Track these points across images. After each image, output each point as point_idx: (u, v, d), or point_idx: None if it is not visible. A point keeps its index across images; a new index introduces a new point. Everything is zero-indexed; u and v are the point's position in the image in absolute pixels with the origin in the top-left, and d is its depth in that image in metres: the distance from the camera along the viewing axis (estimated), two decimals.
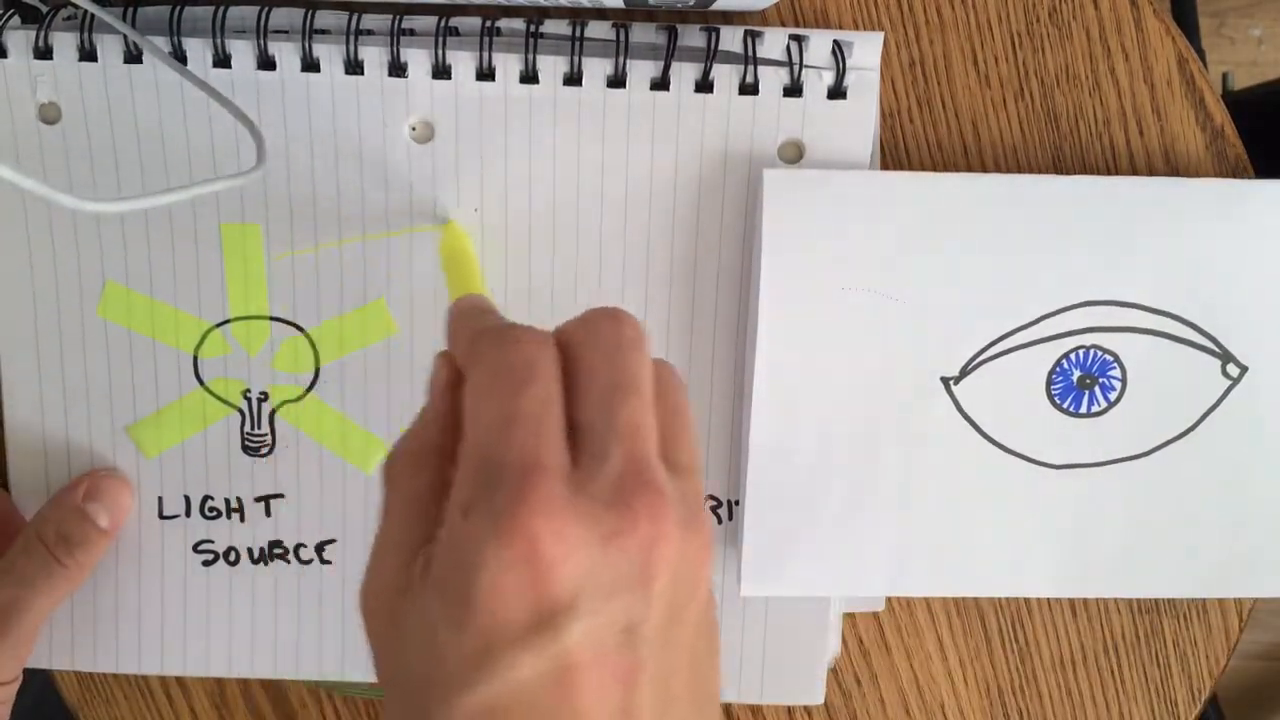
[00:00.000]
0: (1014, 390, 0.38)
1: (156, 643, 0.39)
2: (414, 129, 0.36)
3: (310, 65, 0.35)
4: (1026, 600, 0.41)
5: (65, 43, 0.35)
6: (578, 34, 0.35)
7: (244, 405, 0.38)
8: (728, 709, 0.42)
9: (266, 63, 0.35)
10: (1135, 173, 0.38)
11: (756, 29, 0.35)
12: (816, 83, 0.35)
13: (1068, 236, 0.36)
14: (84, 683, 0.41)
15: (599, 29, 0.35)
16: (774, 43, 0.35)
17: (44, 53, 0.35)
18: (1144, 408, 0.38)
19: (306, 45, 0.35)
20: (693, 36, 0.35)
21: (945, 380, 0.38)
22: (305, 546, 0.39)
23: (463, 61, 0.35)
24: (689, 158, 0.36)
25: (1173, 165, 0.38)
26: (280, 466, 0.38)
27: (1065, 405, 0.38)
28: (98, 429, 0.38)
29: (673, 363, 0.38)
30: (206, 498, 0.39)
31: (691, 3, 0.34)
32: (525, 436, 0.22)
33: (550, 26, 0.35)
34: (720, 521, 0.39)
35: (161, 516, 0.39)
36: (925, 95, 0.37)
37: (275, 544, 0.39)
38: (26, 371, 0.38)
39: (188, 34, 0.35)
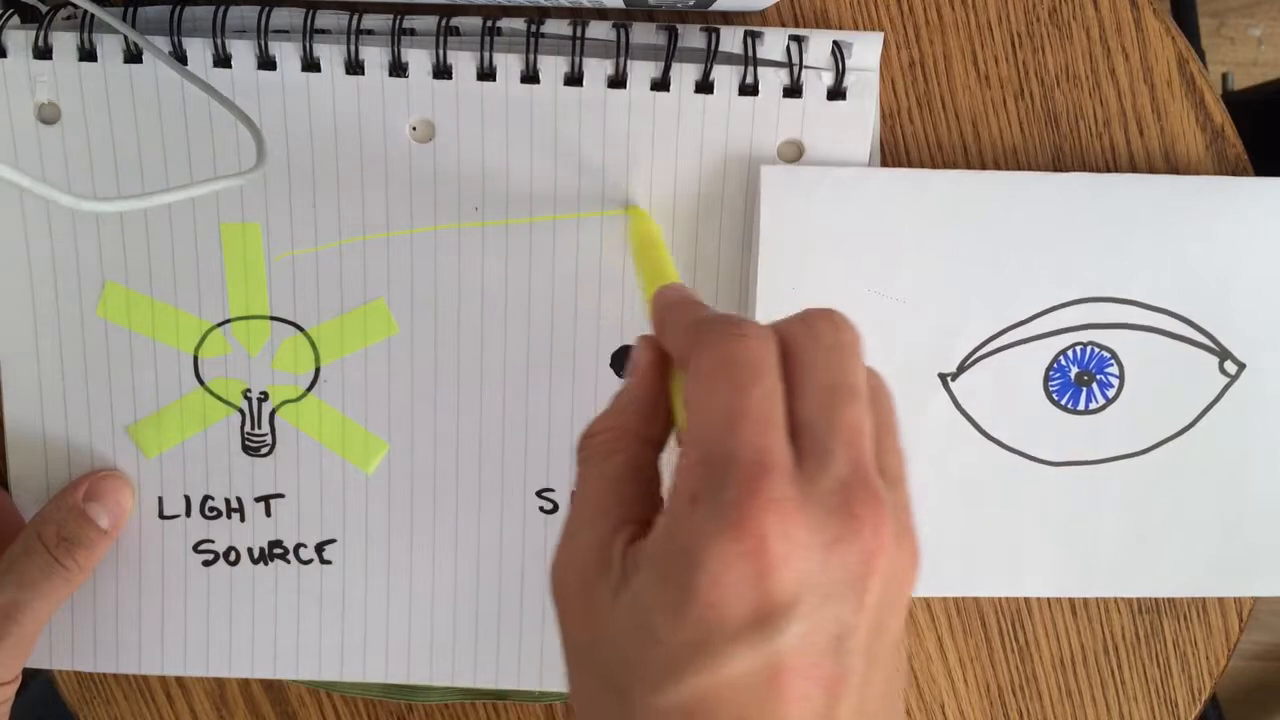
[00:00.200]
0: (1012, 387, 0.38)
1: (156, 643, 0.39)
2: (414, 129, 0.36)
3: (311, 65, 0.35)
4: (1026, 600, 0.41)
5: (65, 42, 0.35)
6: (578, 34, 0.35)
7: (244, 405, 0.38)
8: None
9: (267, 63, 0.35)
10: (1135, 172, 0.38)
11: (756, 29, 0.35)
12: (816, 83, 0.35)
13: (1065, 233, 0.36)
14: (84, 683, 0.41)
15: (599, 29, 0.35)
16: (774, 43, 0.35)
17: (43, 52, 0.35)
18: (1142, 405, 0.38)
19: (307, 45, 0.35)
20: (693, 37, 0.35)
21: (943, 377, 0.38)
22: (305, 546, 0.39)
23: (463, 61, 0.35)
24: (689, 158, 0.36)
25: (1173, 165, 0.38)
26: (280, 466, 0.38)
27: (1063, 402, 0.38)
28: (98, 429, 0.38)
29: None
30: (206, 498, 0.39)
31: (691, 3, 0.34)
32: (754, 432, 0.23)
33: (551, 26, 0.35)
34: None
35: (161, 516, 0.39)
36: (925, 95, 0.37)
37: (275, 544, 0.39)
38: (26, 371, 0.38)
39: (188, 34, 0.35)
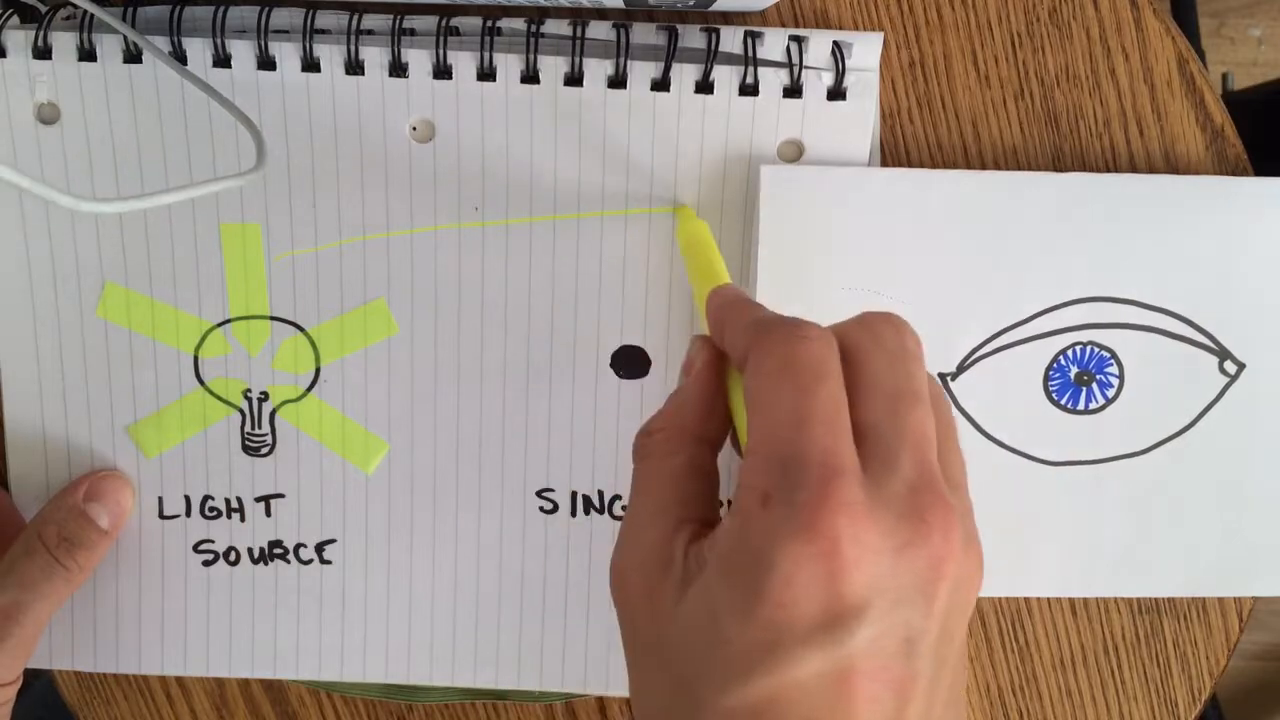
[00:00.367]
0: (1011, 387, 0.38)
1: (156, 643, 0.39)
2: (414, 129, 0.36)
3: (310, 65, 0.35)
4: (1026, 600, 0.41)
5: (64, 42, 0.35)
6: (578, 34, 0.35)
7: (244, 405, 0.38)
8: None
9: (266, 63, 0.35)
10: (1135, 173, 0.38)
11: (756, 30, 0.35)
12: (816, 83, 0.35)
13: (1065, 233, 0.36)
14: (84, 683, 0.41)
15: (599, 29, 0.35)
16: (774, 43, 0.35)
17: (43, 52, 0.35)
18: (1141, 405, 0.38)
19: (307, 45, 0.35)
20: (693, 37, 0.35)
21: (943, 376, 0.38)
22: (305, 546, 0.39)
23: (463, 61, 0.35)
24: (689, 158, 0.36)
25: (1173, 165, 0.38)
26: (280, 466, 0.38)
27: (1063, 402, 0.38)
28: (98, 429, 0.38)
29: (673, 364, 0.38)
30: (207, 498, 0.39)
31: (691, 3, 0.34)
32: (824, 434, 0.23)
33: (551, 27, 0.35)
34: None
35: (161, 516, 0.39)
36: (925, 95, 0.37)
37: (275, 544, 0.39)
38: (26, 371, 0.38)
39: (187, 34, 0.35)
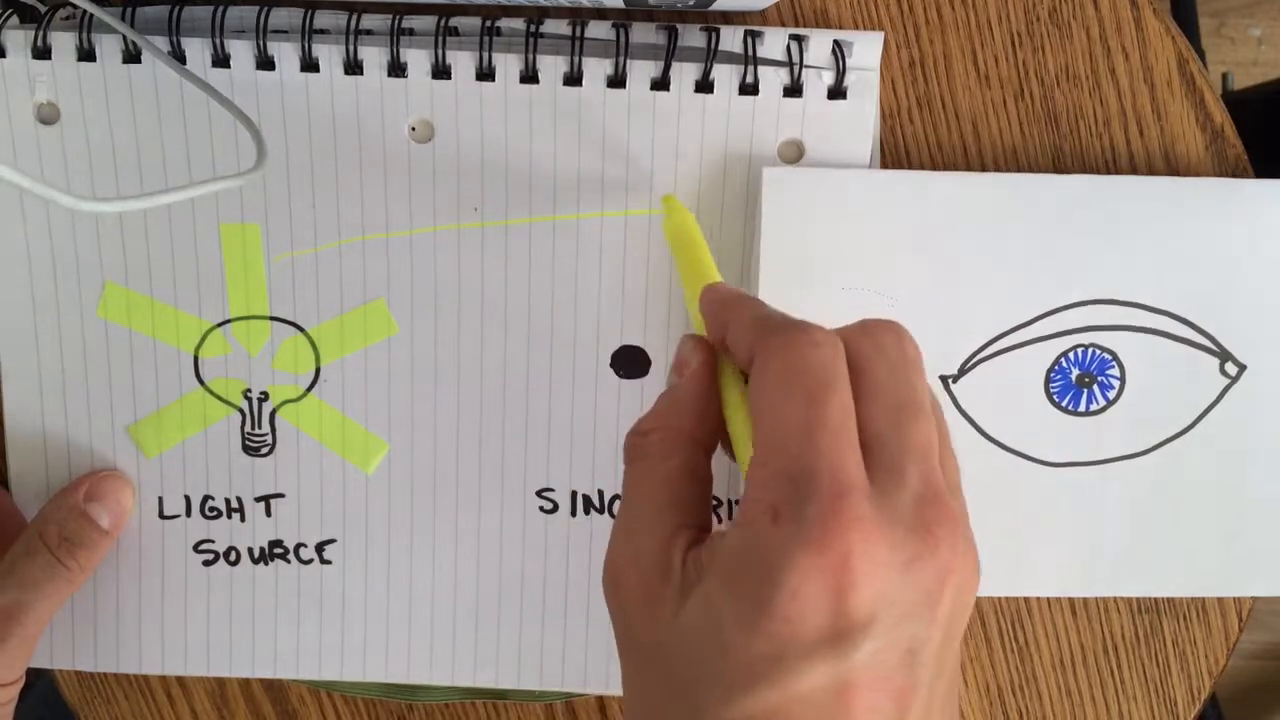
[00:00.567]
0: (1013, 389, 0.38)
1: (157, 643, 0.39)
2: (414, 129, 0.36)
3: (310, 65, 0.35)
4: (1026, 600, 0.41)
5: (64, 42, 0.35)
6: (578, 34, 0.35)
7: (244, 405, 0.38)
8: None
9: (266, 63, 0.35)
10: (1135, 173, 0.38)
11: (756, 29, 0.35)
12: (816, 83, 0.35)
13: (1066, 235, 0.36)
14: (84, 683, 0.41)
15: (599, 29, 0.35)
16: (774, 43, 0.35)
17: (42, 52, 0.35)
18: (1142, 406, 0.38)
19: (306, 45, 0.35)
20: (693, 36, 0.35)
21: (944, 379, 0.38)
22: (305, 546, 0.39)
23: (462, 61, 0.35)
24: (689, 158, 0.36)
25: (1173, 165, 0.38)
26: (280, 466, 0.38)
27: (1064, 403, 0.38)
28: (98, 429, 0.38)
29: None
30: (207, 498, 0.39)
31: (691, 3, 0.34)
32: (833, 446, 0.23)
33: (550, 26, 0.35)
34: (720, 520, 0.39)
35: (162, 516, 0.39)
36: (925, 95, 0.37)
37: (275, 544, 0.39)
38: (26, 371, 0.38)
39: (187, 34, 0.35)
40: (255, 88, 0.35)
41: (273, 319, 0.37)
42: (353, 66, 0.35)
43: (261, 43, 0.35)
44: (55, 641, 0.39)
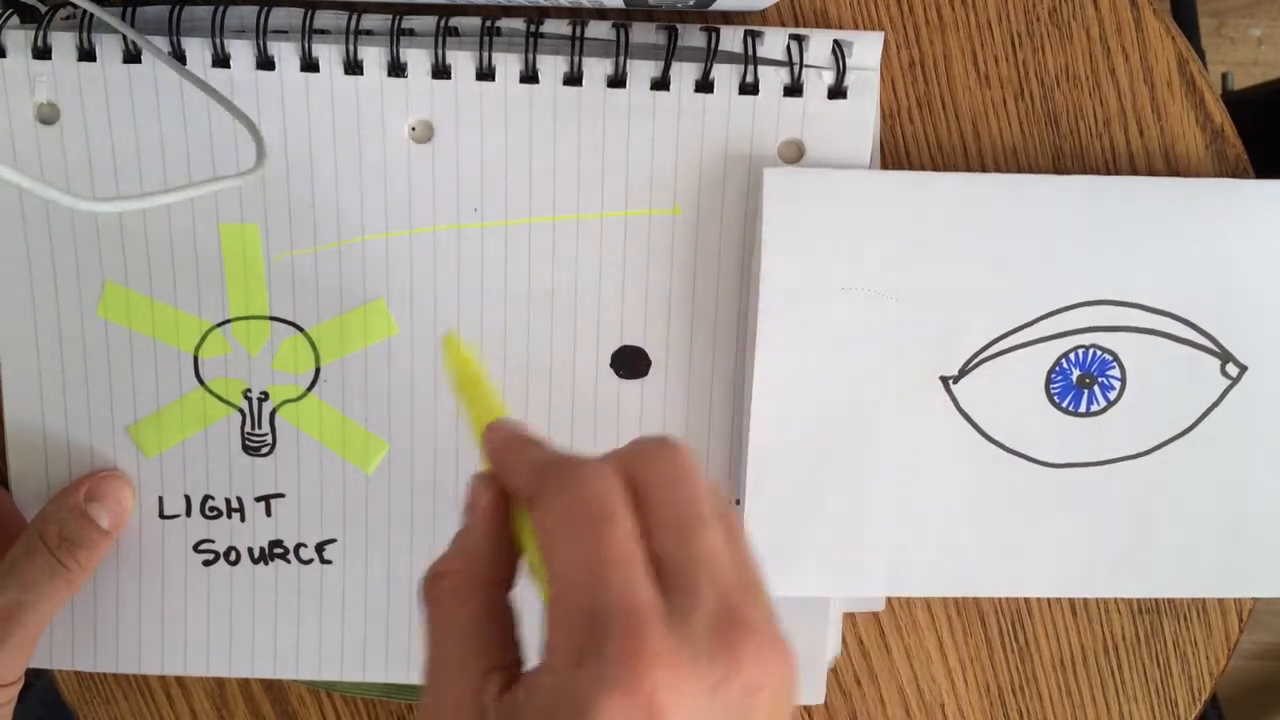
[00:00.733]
0: (1013, 390, 0.38)
1: (157, 643, 0.39)
2: (414, 129, 0.36)
3: (310, 65, 0.35)
4: (1026, 600, 0.41)
5: (64, 42, 0.35)
6: (578, 34, 0.35)
7: (244, 405, 0.38)
8: None
9: (266, 63, 0.35)
10: (1135, 173, 0.38)
11: (756, 29, 0.35)
12: (817, 82, 0.35)
13: (1067, 236, 0.36)
14: (84, 683, 0.41)
15: (599, 29, 0.35)
16: (774, 43, 0.35)
17: (42, 52, 0.35)
18: (1143, 407, 0.38)
19: (306, 45, 0.35)
20: (693, 36, 0.35)
21: (945, 379, 0.38)
22: (305, 546, 0.39)
23: (462, 61, 0.35)
24: (689, 158, 0.36)
25: (1173, 165, 0.38)
26: (280, 466, 0.38)
27: (1065, 404, 0.38)
28: (98, 429, 0.38)
29: (674, 364, 0.38)
30: (207, 497, 0.39)
31: (691, 3, 0.34)
32: (621, 580, 0.23)
33: (550, 26, 0.35)
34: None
35: (162, 516, 0.39)
36: (925, 95, 0.37)
37: (275, 544, 0.39)
38: (26, 371, 0.38)
39: (187, 34, 0.35)
40: (255, 88, 0.35)
41: (272, 319, 0.37)
42: (353, 66, 0.35)
43: (261, 43, 0.35)
44: (55, 641, 0.39)
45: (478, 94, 0.35)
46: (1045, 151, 0.38)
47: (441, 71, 0.35)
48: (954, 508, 0.38)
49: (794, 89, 0.35)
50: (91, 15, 0.34)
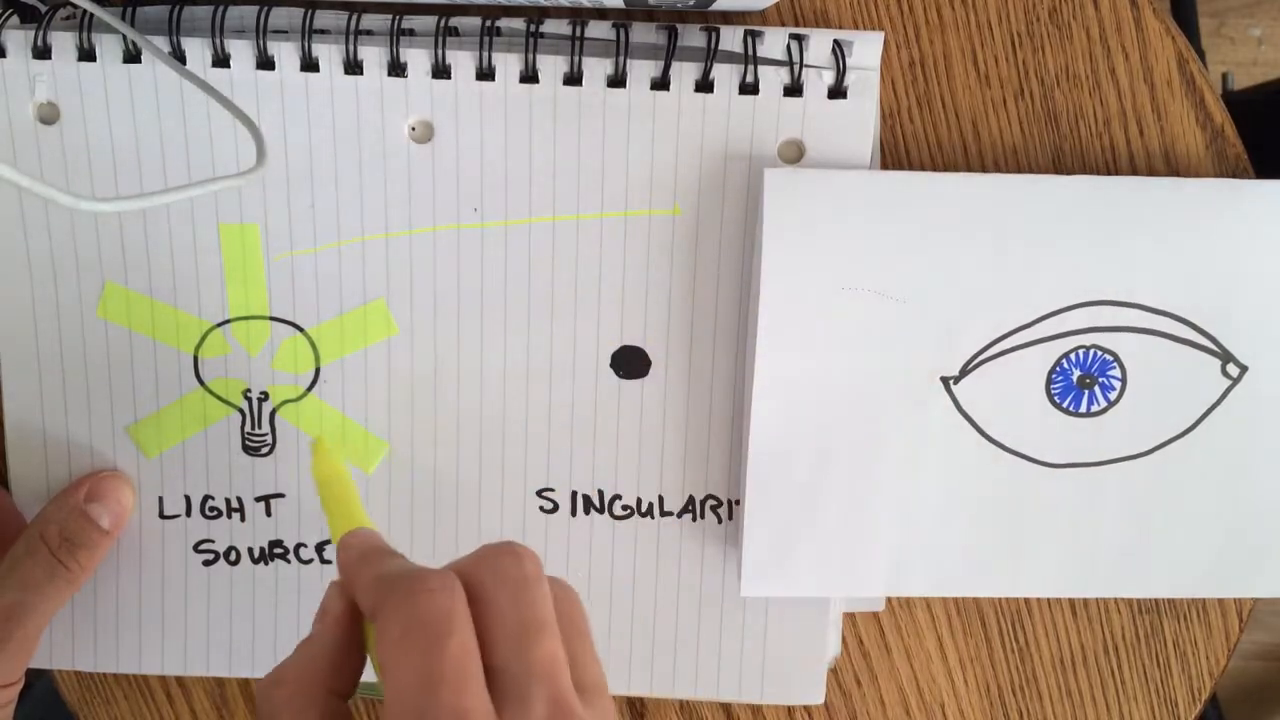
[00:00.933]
0: (1014, 390, 0.38)
1: (157, 643, 0.39)
2: (414, 129, 0.36)
3: (309, 65, 0.35)
4: (1026, 600, 0.41)
5: (64, 42, 0.35)
6: (578, 34, 0.35)
7: (244, 405, 0.38)
8: (728, 709, 0.42)
9: (266, 63, 0.35)
10: (1135, 173, 0.38)
11: (756, 29, 0.35)
12: (817, 82, 0.35)
13: (1068, 236, 0.36)
14: (84, 683, 0.41)
15: (599, 29, 0.35)
16: (774, 42, 0.35)
17: (42, 52, 0.35)
18: (1144, 407, 0.38)
19: (306, 45, 0.35)
20: (693, 36, 0.35)
21: (945, 380, 0.38)
22: (305, 546, 0.39)
23: (462, 61, 0.35)
24: (689, 158, 0.36)
25: (1173, 165, 0.38)
26: (280, 466, 0.38)
27: (1065, 405, 0.38)
28: (98, 429, 0.38)
29: (674, 364, 0.38)
30: (207, 497, 0.39)
31: (691, 3, 0.34)
32: (452, 694, 0.23)
33: (550, 26, 0.35)
34: (720, 521, 0.39)
35: (162, 516, 0.39)
36: (925, 95, 0.37)
37: (275, 544, 0.39)
38: (26, 371, 0.38)
39: (187, 34, 0.35)
40: (255, 88, 0.35)
41: (272, 319, 0.37)
42: (353, 66, 0.35)
43: (261, 43, 0.35)
44: (55, 642, 0.39)
45: (478, 94, 0.35)
46: (1045, 151, 0.38)
47: (441, 71, 0.35)
48: (954, 508, 0.38)
49: (794, 89, 0.35)
50: (91, 15, 0.34)
